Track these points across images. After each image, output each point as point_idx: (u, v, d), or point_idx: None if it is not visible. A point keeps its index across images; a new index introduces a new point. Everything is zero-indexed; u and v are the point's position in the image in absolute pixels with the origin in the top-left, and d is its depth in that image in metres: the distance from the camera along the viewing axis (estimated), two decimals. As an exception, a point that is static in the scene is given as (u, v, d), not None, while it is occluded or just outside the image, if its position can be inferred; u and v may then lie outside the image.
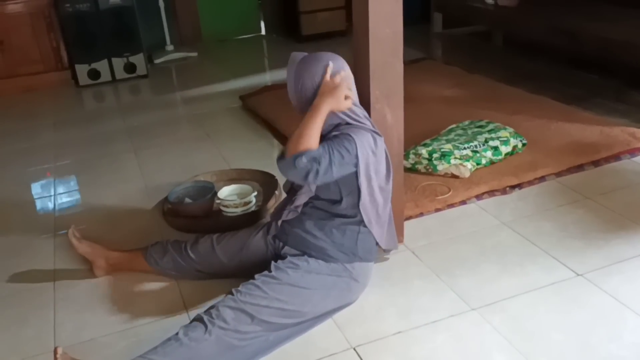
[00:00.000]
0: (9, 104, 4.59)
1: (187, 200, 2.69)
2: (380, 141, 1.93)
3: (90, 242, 2.30)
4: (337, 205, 1.93)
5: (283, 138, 3.39)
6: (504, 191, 2.70)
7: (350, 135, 1.83)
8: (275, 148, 3.44)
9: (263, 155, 3.29)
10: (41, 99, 4.69)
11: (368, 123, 1.94)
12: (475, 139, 2.93)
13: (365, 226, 1.97)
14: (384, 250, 2.17)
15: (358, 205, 1.93)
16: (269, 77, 5.00)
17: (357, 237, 1.95)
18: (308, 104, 1.86)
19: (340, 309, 1.96)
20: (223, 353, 1.68)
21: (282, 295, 1.80)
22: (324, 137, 1.86)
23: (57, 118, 4.26)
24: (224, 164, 3.21)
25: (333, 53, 1.94)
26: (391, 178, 2.02)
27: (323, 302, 1.88)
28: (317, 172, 1.76)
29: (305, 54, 1.94)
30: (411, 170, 2.87)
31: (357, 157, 1.83)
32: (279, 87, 4.30)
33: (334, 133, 1.87)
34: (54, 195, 3.09)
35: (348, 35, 5.48)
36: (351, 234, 1.94)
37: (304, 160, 1.74)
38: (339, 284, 1.91)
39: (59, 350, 1.66)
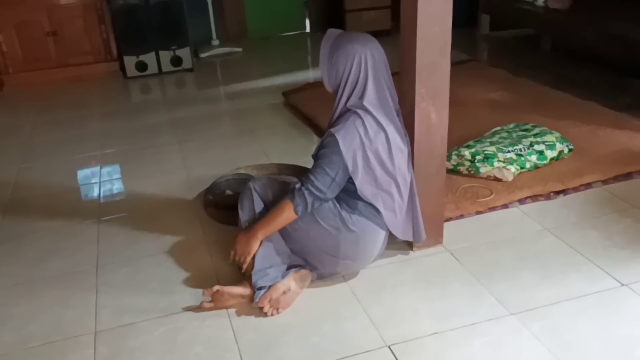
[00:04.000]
0: (60, 93, 4.73)
1: (228, 192, 2.72)
2: (388, 132, 1.95)
3: (225, 293, 2.04)
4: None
5: (324, 135, 3.39)
6: (547, 196, 2.64)
7: (334, 145, 1.90)
8: (316, 144, 3.44)
9: (304, 151, 3.29)
10: (90, 89, 4.81)
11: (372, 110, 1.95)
12: (520, 143, 2.88)
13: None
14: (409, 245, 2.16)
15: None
16: (311, 75, 5.01)
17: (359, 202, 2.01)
18: (338, 80, 1.95)
19: (332, 258, 2.02)
20: None
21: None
22: (331, 123, 1.99)
23: (104, 108, 4.36)
24: (265, 159, 3.23)
25: (367, 35, 2.00)
26: (402, 166, 2.02)
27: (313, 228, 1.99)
28: (314, 201, 1.93)
29: (341, 31, 2.01)
30: (453, 171, 2.83)
31: (342, 159, 1.91)
32: (321, 85, 4.28)
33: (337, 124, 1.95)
34: (99, 182, 3.17)
35: (393, 35, 5.44)
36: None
37: (301, 207, 1.93)
38: (331, 219, 1.98)
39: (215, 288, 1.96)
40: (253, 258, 2.02)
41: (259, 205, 2.09)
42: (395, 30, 5.60)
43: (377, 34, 2.12)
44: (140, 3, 4.81)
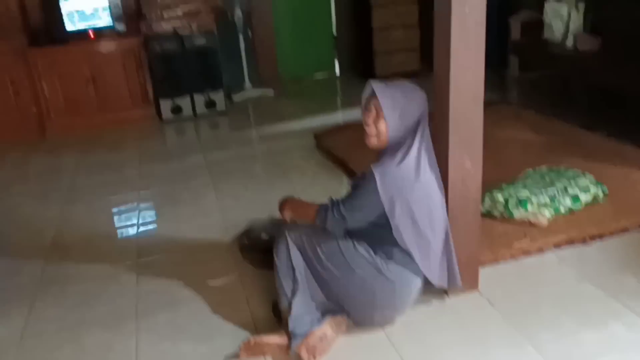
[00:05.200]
0: (100, 137, 4.89)
1: (263, 236, 2.76)
2: (428, 176, 1.99)
3: (262, 343, 2.07)
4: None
5: (355, 177, 3.43)
6: (584, 241, 2.62)
7: (371, 182, 1.94)
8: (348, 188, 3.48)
9: (336, 194, 3.31)
10: (128, 132, 4.97)
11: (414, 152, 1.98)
12: (554, 186, 2.87)
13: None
14: (444, 291, 2.16)
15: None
16: (342, 117, 5.09)
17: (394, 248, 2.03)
18: (402, 131, 1.97)
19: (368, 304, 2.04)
20: None
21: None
22: (380, 156, 2.02)
23: (141, 151, 4.50)
24: (299, 202, 3.28)
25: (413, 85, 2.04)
26: (437, 216, 2.04)
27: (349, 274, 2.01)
28: (334, 222, 2.03)
29: (387, 83, 2.02)
30: (487, 215, 2.84)
31: (377, 197, 1.93)
32: (352, 127, 4.37)
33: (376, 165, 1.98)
34: (137, 225, 3.25)
35: (422, 76, 5.51)
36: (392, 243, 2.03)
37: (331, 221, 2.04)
38: (366, 267, 2.00)
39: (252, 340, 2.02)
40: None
41: (294, 252, 2.13)
42: (424, 71, 5.68)
43: (406, 75, 2.18)
44: (176, 49, 4.99)
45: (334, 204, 2.05)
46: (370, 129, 2.00)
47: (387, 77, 5.59)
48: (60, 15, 4.87)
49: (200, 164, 4.10)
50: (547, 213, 2.74)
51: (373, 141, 2.02)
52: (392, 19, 5.66)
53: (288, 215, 2.25)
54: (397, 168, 1.94)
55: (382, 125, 1.97)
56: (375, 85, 1.98)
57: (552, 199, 2.80)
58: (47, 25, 4.98)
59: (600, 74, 4.50)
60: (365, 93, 2.04)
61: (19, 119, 4.95)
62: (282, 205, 2.29)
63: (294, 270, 2.10)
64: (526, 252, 2.56)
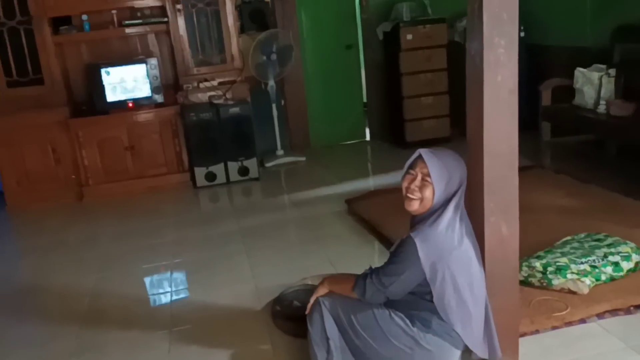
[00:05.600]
0: (136, 203, 4.99)
1: (296, 303, 2.74)
2: (467, 242, 1.97)
3: None
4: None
5: (388, 243, 3.41)
6: (628, 311, 2.52)
7: (411, 250, 1.91)
8: (380, 254, 3.46)
9: (369, 260, 3.29)
10: (163, 198, 5.07)
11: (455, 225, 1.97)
12: (594, 253, 2.80)
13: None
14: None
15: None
16: (373, 182, 5.12)
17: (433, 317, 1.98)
18: (445, 197, 1.97)
19: None
20: None
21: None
22: (415, 222, 2.01)
23: (176, 217, 4.56)
24: (331, 268, 3.26)
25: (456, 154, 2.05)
26: (478, 283, 2.00)
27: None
28: (374, 293, 1.99)
29: (432, 151, 2.03)
30: (524, 283, 2.77)
31: (418, 265, 1.91)
32: (383, 192, 4.39)
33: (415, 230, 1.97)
34: (171, 292, 3.26)
35: (453, 141, 5.55)
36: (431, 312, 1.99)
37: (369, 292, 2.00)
38: (403, 338, 1.96)
39: None
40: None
41: (329, 322, 2.09)
42: (454, 137, 5.72)
43: (437, 142, 2.19)
44: (212, 118, 5.14)
45: (372, 273, 2.01)
46: (415, 194, 2.00)
47: (417, 144, 5.65)
48: (102, 87, 5.09)
49: (234, 230, 4.13)
50: (588, 281, 2.66)
51: (415, 206, 2.00)
52: (422, 87, 5.76)
53: (325, 292, 2.17)
54: (438, 234, 1.93)
55: (428, 192, 1.97)
56: (425, 153, 2.00)
57: (593, 266, 2.72)
58: (89, 96, 5.22)
59: (635, 138, 4.45)
60: (411, 159, 2.05)
61: (58, 186, 5.11)
62: (320, 284, 2.23)
63: (328, 340, 2.06)
64: (568, 322, 2.48)
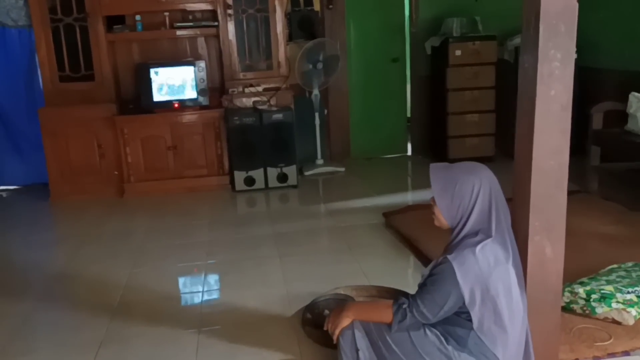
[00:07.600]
0: (174, 202, 5.04)
1: (327, 312, 2.69)
2: (506, 264, 1.89)
3: None
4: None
5: (425, 258, 3.34)
6: (676, 346, 2.39)
7: (449, 274, 1.85)
8: (416, 268, 3.38)
9: (403, 274, 3.25)
10: (201, 199, 5.10)
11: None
12: (641, 283, 2.67)
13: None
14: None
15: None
16: (411, 197, 5.04)
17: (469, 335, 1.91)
18: (460, 214, 1.91)
19: None
20: None
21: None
22: (447, 248, 1.94)
23: (212, 218, 4.58)
24: (364, 279, 3.20)
25: (478, 164, 1.99)
26: (517, 307, 1.91)
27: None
28: (415, 324, 1.93)
29: (445, 164, 2.00)
30: (566, 309, 2.65)
31: (457, 289, 1.84)
32: (421, 207, 4.29)
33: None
34: (202, 291, 3.26)
35: (497, 161, 5.42)
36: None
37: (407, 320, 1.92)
38: (437, 356, 1.90)
39: None
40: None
41: (359, 335, 2.03)
42: (498, 157, 5.59)
43: (480, 161, 2.11)
44: (254, 123, 5.16)
45: (411, 302, 1.93)
46: (434, 210, 1.98)
47: (459, 161, 5.54)
48: (150, 86, 5.18)
49: (268, 234, 4.11)
50: (634, 312, 2.53)
51: (436, 222, 2.00)
52: (468, 104, 5.66)
53: (348, 322, 2.05)
54: (474, 256, 1.85)
55: (436, 208, 1.95)
56: (432, 168, 1.97)
57: (639, 297, 2.59)
58: (136, 94, 5.32)
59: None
60: None
61: (100, 180, 5.21)
62: (342, 312, 2.08)
63: (358, 351, 2.01)
64: (610, 353, 2.36)
